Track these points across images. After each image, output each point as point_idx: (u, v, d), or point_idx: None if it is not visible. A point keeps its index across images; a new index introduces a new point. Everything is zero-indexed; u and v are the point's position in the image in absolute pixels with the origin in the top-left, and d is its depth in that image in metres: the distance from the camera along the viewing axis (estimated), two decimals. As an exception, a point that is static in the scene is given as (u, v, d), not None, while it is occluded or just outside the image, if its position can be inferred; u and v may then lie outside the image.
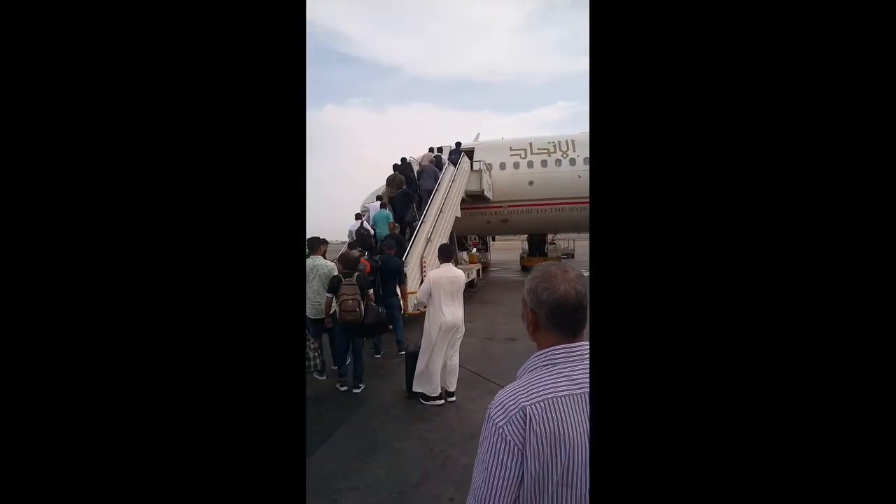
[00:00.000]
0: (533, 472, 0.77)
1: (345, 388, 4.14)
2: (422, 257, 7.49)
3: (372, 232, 7.59)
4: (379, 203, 8.19)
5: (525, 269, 14.87)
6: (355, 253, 4.66)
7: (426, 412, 3.56)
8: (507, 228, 14.26)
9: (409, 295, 6.42)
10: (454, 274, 3.84)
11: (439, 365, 3.75)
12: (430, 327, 3.77)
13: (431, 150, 10.81)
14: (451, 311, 3.73)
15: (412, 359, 3.95)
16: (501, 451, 0.78)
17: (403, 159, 9.75)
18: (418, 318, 6.86)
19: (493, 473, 0.78)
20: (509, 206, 13.08)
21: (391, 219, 7.60)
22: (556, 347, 0.86)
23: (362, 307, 3.97)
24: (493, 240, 17.55)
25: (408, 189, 8.63)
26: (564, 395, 0.80)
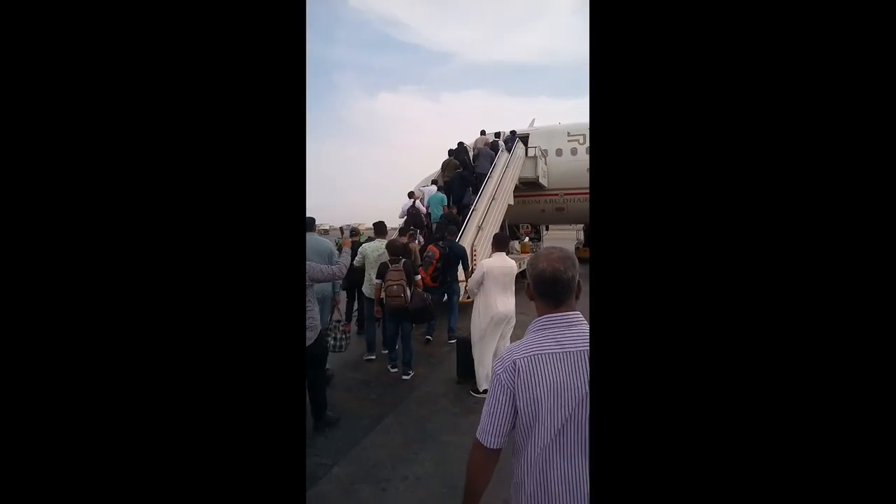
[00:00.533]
0: (521, 408, 1.02)
1: (395, 370, 4.18)
2: (472, 245, 7.35)
3: (425, 211, 7.68)
4: (434, 187, 8.19)
5: (581, 259, 14.16)
6: (403, 240, 4.71)
7: (476, 404, 3.45)
8: (563, 217, 13.69)
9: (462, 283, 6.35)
10: (507, 264, 3.67)
11: (489, 357, 3.62)
12: (479, 319, 3.64)
13: (483, 132, 10.51)
14: (503, 302, 3.57)
15: (463, 346, 3.85)
16: (499, 391, 1.04)
17: (460, 144, 9.64)
18: (471, 306, 6.78)
19: (493, 408, 1.05)
20: (565, 194, 12.51)
21: (445, 202, 7.60)
22: (546, 316, 1.09)
23: (408, 293, 3.94)
24: (547, 229, 16.98)
25: (464, 172, 8.59)
26: (547, 353, 1.03)
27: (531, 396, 1.01)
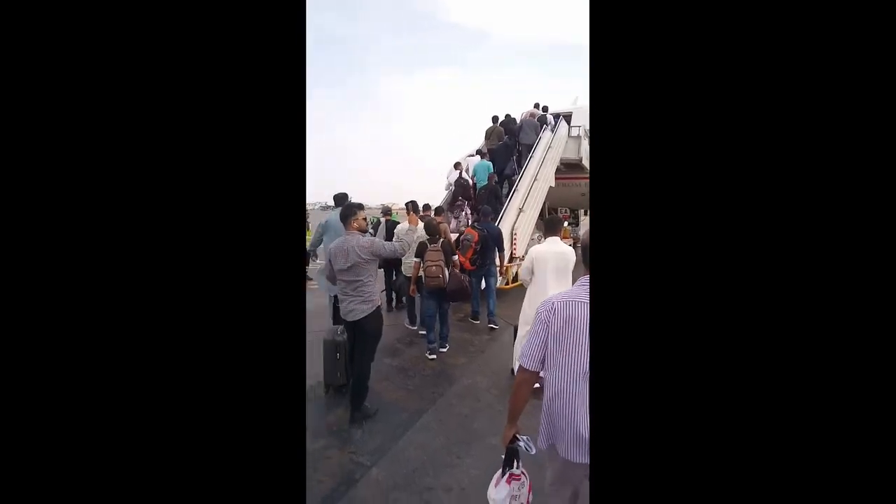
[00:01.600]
0: (551, 342, 1.31)
1: (433, 357, 4.02)
2: (513, 229, 6.97)
3: (471, 183, 7.54)
4: (478, 156, 7.93)
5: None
6: (438, 219, 4.62)
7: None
8: (604, 202, 12.96)
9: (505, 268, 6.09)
10: (561, 249, 3.28)
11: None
12: (530, 308, 3.30)
13: (536, 105, 9.92)
14: (557, 292, 3.22)
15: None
16: (538, 325, 1.34)
17: (508, 115, 9.23)
18: (512, 292, 6.49)
19: (532, 337, 1.34)
20: (609, 177, 11.80)
21: (491, 169, 7.39)
22: (585, 276, 1.33)
23: (446, 273, 3.87)
24: (586, 213, 16.24)
25: (509, 142, 8.37)
26: (579, 301, 1.29)
27: (559, 333, 1.29)
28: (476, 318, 5.25)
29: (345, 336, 3.13)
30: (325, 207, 54.73)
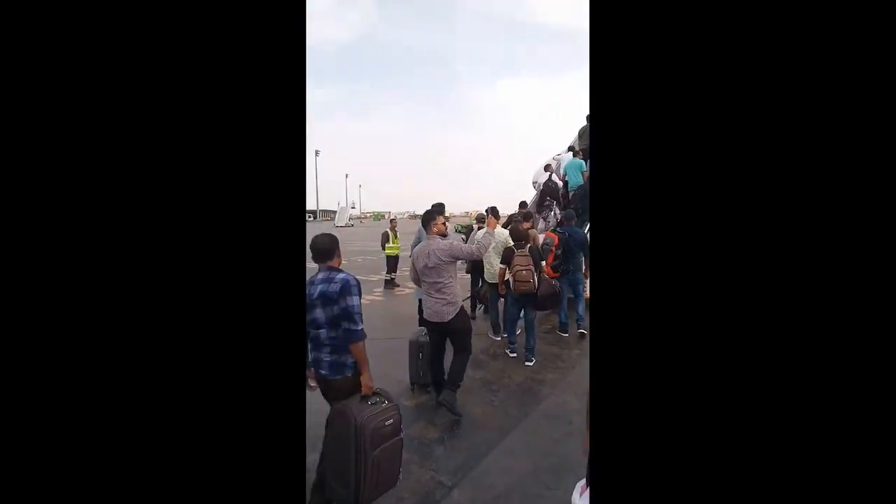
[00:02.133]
0: None
1: (514, 355, 4.15)
2: (607, 234, 6.44)
3: (561, 185, 7.23)
4: (570, 153, 7.51)
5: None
6: (526, 225, 4.56)
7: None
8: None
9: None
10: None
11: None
12: None
13: None
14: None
15: None
16: None
17: None
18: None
19: None
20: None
21: (584, 167, 6.92)
22: None
23: (536, 278, 3.85)
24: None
25: None
26: None
27: None
28: (565, 331, 4.88)
29: (427, 337, 3.20)
30: (413, 216, 57.50)
